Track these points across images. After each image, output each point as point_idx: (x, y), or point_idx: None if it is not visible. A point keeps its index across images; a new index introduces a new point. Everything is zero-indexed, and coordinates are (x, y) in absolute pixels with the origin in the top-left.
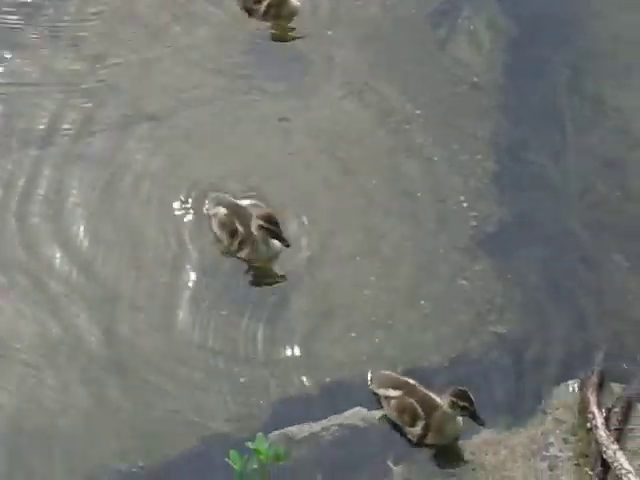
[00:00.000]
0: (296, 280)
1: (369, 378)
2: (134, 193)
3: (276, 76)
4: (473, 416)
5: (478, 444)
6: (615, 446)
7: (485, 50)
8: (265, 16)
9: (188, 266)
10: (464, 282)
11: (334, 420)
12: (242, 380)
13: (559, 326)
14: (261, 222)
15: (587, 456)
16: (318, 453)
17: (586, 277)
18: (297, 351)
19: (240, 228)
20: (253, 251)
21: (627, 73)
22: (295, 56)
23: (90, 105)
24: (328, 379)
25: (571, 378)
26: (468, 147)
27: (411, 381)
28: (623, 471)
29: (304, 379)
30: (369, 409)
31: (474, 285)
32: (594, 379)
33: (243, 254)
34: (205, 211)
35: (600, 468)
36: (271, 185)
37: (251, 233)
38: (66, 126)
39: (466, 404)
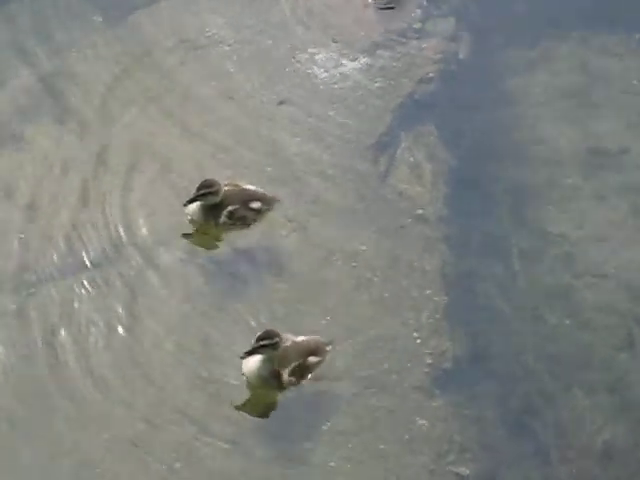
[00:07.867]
0: None
1: None
2: None
3: None
4: None
5: None
6: None
7: (426, 181)
8: None
9: None
10: (423, 421)
11: None
12: None
13: (521, 462)
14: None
15: None
16: None
17: (544, 411)
18: None
19: None
20: None
21: (567, 199)
22: None
23: None
24: None
25: None
26: (417, 281)
27: None
28: None
29: None
30: None
31: (432, 424)
32: None
33: None
34: None
35: None
36: None
37: None
38: None
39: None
